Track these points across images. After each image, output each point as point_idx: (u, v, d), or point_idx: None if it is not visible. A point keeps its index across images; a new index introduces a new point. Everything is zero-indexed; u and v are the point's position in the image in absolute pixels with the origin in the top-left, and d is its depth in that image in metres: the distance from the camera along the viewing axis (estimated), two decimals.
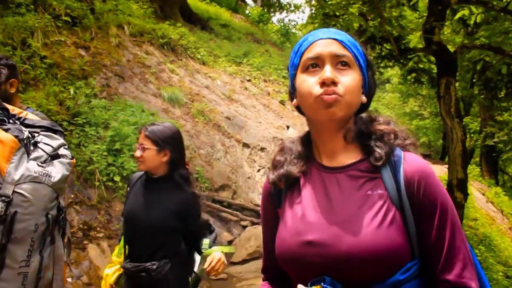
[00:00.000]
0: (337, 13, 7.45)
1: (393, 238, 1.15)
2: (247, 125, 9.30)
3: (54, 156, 2.02)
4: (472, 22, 7.99)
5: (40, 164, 1.94)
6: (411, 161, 1.24)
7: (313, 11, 7.96)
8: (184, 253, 2.64)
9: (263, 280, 1.54)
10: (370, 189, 1.23)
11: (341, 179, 1.27)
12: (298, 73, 1.29)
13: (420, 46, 8.53)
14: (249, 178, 8.01)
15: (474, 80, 17.02)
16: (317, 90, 1.21)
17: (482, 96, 16.42)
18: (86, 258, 4.74)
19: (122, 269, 2.64)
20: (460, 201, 6.55)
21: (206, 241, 2.70)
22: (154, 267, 2.46)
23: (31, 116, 2.14)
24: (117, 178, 5.71)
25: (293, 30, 26.37)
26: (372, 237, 1.14)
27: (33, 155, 1.94)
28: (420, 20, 10.09)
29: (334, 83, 1.20)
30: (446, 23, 9.40)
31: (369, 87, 1.32)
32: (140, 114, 6.87)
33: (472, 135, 19.59)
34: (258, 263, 6.02)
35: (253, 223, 6.96)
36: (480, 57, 8.73)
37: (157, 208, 2.54)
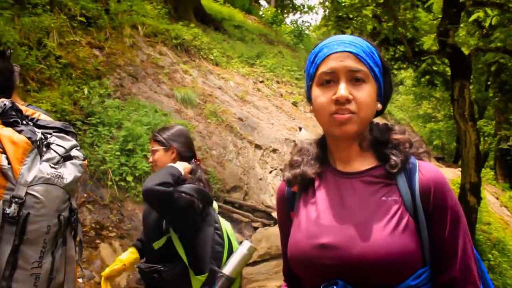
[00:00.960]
0: (351, 16, 7.44)
1: (405, 244, 1.17)
2: (260, 127, 9.30)
3: (66, 157, 2.04)
4: (487, 24, 7.91)
5: (52, 165, 1.95)
6: (426, 170, 1.27)
7: (326, 13, 7.94)
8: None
9: (284, 281, 1.56)
10: (384, 195, 1.24)
11: (356, 184, 1.29)
12: (314, 86, 1.31)
13: (434, 48, 8.48)
14: (261, 179, 8.02)
15: (489, 83, 16.87)
16: (332, 108, 1.23)
17: (496, 99, 16.28)
18: (98, 257, 4.78)
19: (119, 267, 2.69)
20: (473, 205, 6.50)
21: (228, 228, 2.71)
22: (166, 268, 2.47)
23: (44, 117, 2.16)
24: (129, 178, 5.75)
25: (307, 32, 26.35)
26: (385, 242, 1.16)
27: (46, 156, 1.96)
28: (435, 22, 10.03)
29: (348, 100, 1.22)
30: (461, 25, 9.33)
31: (384, 94, 1.34)
32: (153, 114, 6.91)
33: (486, 138, 19.41)
34: (269, 265, 6.02)
35: (264, 225, 6.97)
36: (495, 60, 8.66)
37: None
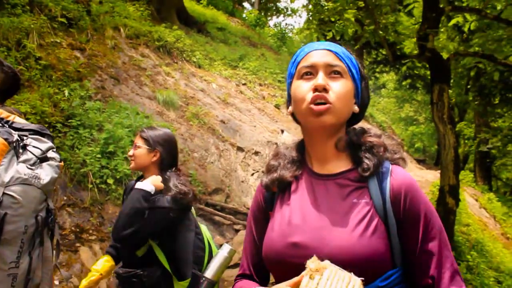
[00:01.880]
0: (333, 19, 7.51)
1: (374, 245, 1.19)
2: (242, 129, 9.31)
3: (43, 158, 2.06)
4: (466, 29, 8.06)
5: (29, 166, 1.97)
6: (397, 174, 1.30)
7: (310, 16, 7.99)
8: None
9: (237, 276, 1.57)
10: (356, 197, 1.28)
11: (330, 186, 1.33)
12: (294, 80, 1.36)
13: (415, 52, 8.59)
14: (242, 182, 8.02)
15: (469, 87, 17.15)
16: (309, 96, 1.27)
17: (476, 103, 16.55)
18: (77, 261, 4.73)
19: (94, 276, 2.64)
20: (452, 207, 6.60)
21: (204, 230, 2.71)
22: (146, 273, 2.46)
23: (19, 120, 2.17)
24: (110, 181, 5.71)
25: (290, 34, 26.43)
26: (354, 243, 1.19)
27: (22, 157, 1.97)
28: (416, 26, 10.16)
29: (325, 89, 1.26)
30: (442, 30, 9.47)
31: (362, 98, 1.38)
32: (135, 116, 6.87)
33: (466, 141, 19.69)
34: None
35: (245, 227, 6.97)
36: (474, 64, 8.80)
37: None
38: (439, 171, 9.66)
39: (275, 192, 1.43)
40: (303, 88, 1.29)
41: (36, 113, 5.57)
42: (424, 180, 12.86)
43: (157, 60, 9.86)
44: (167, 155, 2.67)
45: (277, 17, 51.70)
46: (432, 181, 12.28)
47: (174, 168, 2.68)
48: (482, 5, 6.75)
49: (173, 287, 2.50)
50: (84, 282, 2.61)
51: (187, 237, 2.56)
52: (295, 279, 1.14)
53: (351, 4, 6.93)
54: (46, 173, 2.02)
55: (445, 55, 7.67)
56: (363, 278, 1.08)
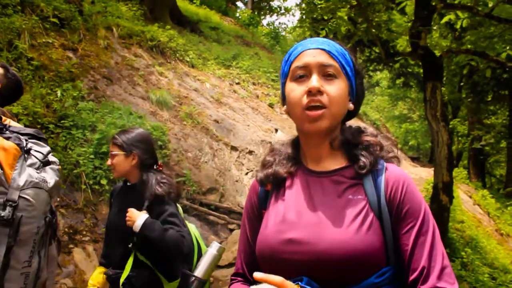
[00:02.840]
0: (325, 17, 7.51)
1: (369, 241, 1.20)
2: (236, 128, 9.30)
3: (45, 162, 2.16)
4: (458, 26, 8.08)
5: (36, 170, 2.08)
6: (392, 171, 1.31)
7: (303, 15, 7.99)
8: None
9: (232, 276, 1.55)
10: (351, 194, 1.29)
11: (325, 183, 1.33)
12: (288, 81, 1.35)
13: (408, 50, 8.61)
14: (236, 181, 8.02)
15: (462, 84, 17.21)
16: (304, 100, 1.27)
17: (469, 100, 16.63)
18: (71, 262, 4.71)
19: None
20: (446, 204, 6.62)
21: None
22: (135, 274, 2.45)
23: (14, 124, 2.28)
24: (103, 182, 5.69)
25: (283, 33, 26.46)
26: (350, 239, 1.19)
27: (28, 161, 2.07)
28: (408, 24, 10.19)
29: (320, 92, 1.26)
30: (434, 27, 9.50)
31: (356, 95, 1.39)
32: (128, 117, 6.85)
33: (460, 138, 19.79)
34: None
35: (240, 226, 6.96)
36: (466, 62, 8.83)
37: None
38: (433, 168, 9.70)
39: (269, 190, 1.43)
40: (297, 92, 1.29)
41: (28, 114, 5.55)
42: (418, 178, 12.90)
43: (150, 60, 9.83)
44: (145, 155, 2.65)
45: (271, 16, 51.74)
46: (426, 178, 12.32)
47: (156, 166, 2.67)
48: (474, 3, 6.77)
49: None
50: None
51: None
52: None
53: (343, 3, 6.94)
54: (50, 176, 2.13)
55: (437, 53, 7.69)
56: None
